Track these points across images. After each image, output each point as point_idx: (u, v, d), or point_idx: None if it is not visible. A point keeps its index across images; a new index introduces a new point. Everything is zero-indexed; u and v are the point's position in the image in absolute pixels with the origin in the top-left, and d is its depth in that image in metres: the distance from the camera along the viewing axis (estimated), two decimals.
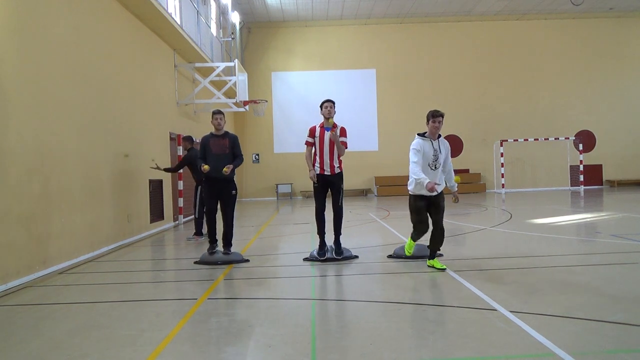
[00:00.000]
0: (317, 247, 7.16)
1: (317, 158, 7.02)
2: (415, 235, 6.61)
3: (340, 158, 7.08)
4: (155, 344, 3.83)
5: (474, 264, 6.49)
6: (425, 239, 6.64)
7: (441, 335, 3.89)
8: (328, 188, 7.11)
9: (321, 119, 7.05)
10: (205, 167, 7.06)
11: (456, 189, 6.47)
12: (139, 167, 10.88)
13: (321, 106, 7.01)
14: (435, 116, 6.14)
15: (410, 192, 6.37)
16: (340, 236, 7.14)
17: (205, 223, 8.00)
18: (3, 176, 6.07)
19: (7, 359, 3.74)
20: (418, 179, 6.00)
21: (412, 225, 6.58)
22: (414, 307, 4.64)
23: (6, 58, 6.27)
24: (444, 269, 6.13)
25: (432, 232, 6.34)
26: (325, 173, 7.01)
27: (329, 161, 6.98)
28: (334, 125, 6.88)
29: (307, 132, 7.10)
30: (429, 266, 6.36)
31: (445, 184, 6.46)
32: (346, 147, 7.05)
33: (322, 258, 7.01)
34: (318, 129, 7.02)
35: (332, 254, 7.07)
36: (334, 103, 7.01)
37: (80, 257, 7.91)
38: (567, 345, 3.46)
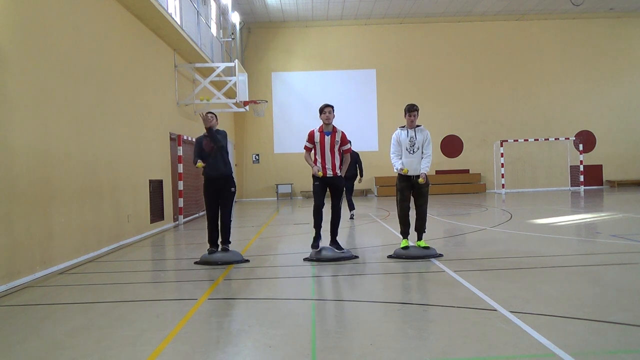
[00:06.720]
0: (312, 239, 7.30)
1: (319, 161, 7.12)
2: (403, 227, 7.28)
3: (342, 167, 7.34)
4: (155, 344, 3.83)
5: (474, 264, 6.49)
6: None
7: (441, 335, 3.89)
8: (327, 188, 7.24)
9: (320, 122, 7.15)
10: (200, 164, 7.18)
11: (424, 171, 7.04)
12: (139, 166, 10.89)
13: (321, 111, 7.09)
14: (410, 111, 7.05)
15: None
16: (337, 237, 7.33)
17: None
18: (3, 176, 6.08)
19: (7, 359, 3.74)
20: (393, 164, 7.18)
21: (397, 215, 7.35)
22: (414, 307, 4.64)
23: (7, 58, 6.27)
24: (427, 247, 7.04)
25: (416, 215, 7.23)
26: (327, 175, 7.13)
27: (330, 165, 7.11)
28: (334, 130, 7.13)
29: (306, 137, 7.16)
30: (417, 246, 7.16)
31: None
32: (349, 152, 7.43)
33: (316, 249, 7.17)
34: (318, 134, 7.10)
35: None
36: (333, 108, 7.14)
37: (80, 257, 7.92)
38: (568, 346, 3.45)
